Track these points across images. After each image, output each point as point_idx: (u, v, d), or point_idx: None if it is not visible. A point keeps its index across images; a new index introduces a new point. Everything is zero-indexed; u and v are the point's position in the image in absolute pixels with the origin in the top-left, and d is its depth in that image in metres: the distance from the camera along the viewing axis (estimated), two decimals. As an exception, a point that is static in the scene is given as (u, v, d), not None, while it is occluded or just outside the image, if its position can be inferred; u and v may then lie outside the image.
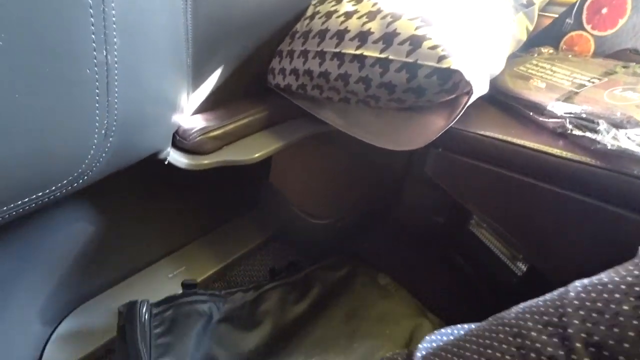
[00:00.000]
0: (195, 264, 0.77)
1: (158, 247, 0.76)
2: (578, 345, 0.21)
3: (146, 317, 0.53)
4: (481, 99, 0.54)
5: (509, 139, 0.45)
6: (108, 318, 0.66)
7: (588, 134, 0.41)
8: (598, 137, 0.40)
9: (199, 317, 0.56)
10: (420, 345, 0.32)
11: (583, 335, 0.21)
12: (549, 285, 0.58)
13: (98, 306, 0.68)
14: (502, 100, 0.52)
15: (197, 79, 0.50)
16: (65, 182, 0.28)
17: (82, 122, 0.26)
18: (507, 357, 0.23)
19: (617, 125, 0.40)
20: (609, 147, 0.40)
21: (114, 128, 0.28)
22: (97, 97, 0.26)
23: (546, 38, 0.61)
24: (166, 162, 0.47)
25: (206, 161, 0.50)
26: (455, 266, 0.74)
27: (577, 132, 0.42)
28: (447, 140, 0.49)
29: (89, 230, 0.62)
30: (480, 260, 0.71)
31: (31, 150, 0.24)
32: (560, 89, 0.48)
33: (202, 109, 0.55)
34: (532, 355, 0.22)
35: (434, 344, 0.32)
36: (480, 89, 0.43)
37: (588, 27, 0.59)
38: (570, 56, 0.56)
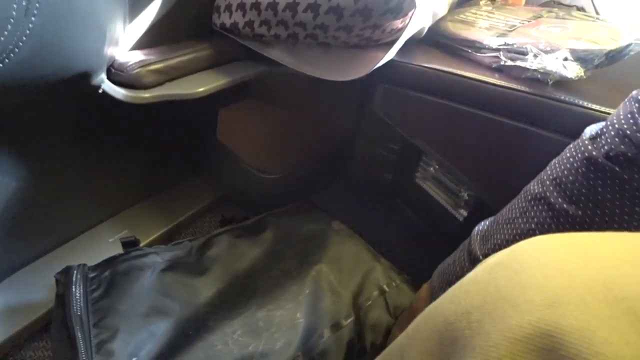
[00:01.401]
0: (139, 226, 0.72)
1: (97, 209, 0.70)
2: (547, 182, 0.32)
3: (82, 282, 0.49)
4: (424, 42, 0.56)
5: (451, 69, 0.47)
6: (41, 290, 0.59)
7: (519, 63, 0.45)
8: (527, 64, 0.44)
9: (140, 271, 0.52)
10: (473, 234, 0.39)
11: (551, 177, 0.32)
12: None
13: (29, 277, 0.61)
14: (444, 43, 0.55)
15: (134, 6, 0.47)
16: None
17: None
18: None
19: (543, 51, 0.43)
20: (537, 76, 0.44)
21: (37, 5, 0.25)
22: None
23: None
24: (100, 91, 0.43)
25: (146, 95, 0.46)
26: (404, 215, 0.78)
27: (509, 62, 0.46)
28: (393, 74, 0.50)
29: (13, 187, 0.55)
30: (425, 209, 0.75)
31: None
32: (496, 29, 0.51)
33: (141, 45, 0.52)
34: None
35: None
36: (422, 16, 0.45)
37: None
38: (505, 6, 0.61)
